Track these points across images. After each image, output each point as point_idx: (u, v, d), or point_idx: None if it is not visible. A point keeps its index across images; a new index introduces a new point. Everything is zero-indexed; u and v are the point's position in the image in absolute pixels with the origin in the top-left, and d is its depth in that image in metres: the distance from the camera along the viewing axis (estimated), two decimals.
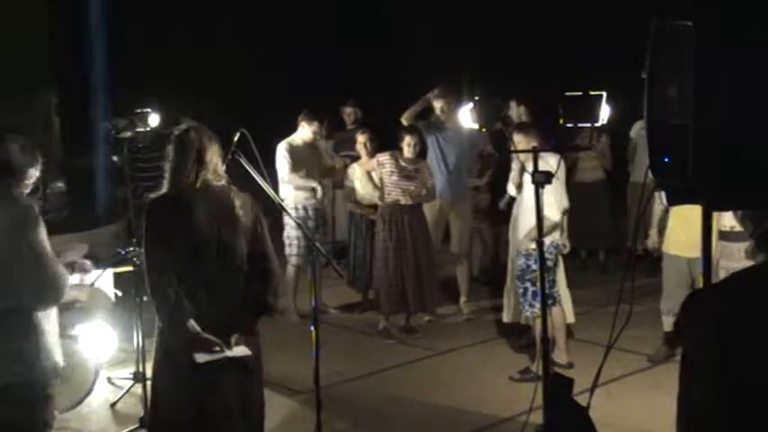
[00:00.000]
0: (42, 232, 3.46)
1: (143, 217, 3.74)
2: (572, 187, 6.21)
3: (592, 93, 3.99)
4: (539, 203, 4.24)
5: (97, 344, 5.67)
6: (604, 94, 4.00)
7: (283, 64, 12.84)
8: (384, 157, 6.97)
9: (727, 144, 2.17)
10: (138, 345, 5.38)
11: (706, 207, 2.33)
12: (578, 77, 9.35)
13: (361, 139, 7.38)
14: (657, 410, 4.84)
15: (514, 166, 6.09)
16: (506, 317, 6.51)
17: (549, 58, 10.92)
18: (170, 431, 3.75)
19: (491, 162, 7.99)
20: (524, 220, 5.77)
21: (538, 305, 4.86)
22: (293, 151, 7.29)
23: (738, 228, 4.96)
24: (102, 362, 5.83)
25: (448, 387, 5.81)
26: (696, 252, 5.63)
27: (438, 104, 7.47)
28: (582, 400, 3.67)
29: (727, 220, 5.34)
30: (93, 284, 5.58)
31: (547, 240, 5.00)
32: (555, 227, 5.74)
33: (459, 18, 12.34)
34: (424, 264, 6.92)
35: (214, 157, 3.72)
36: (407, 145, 6.91)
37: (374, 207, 7.18)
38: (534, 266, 5.53)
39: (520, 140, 5.44)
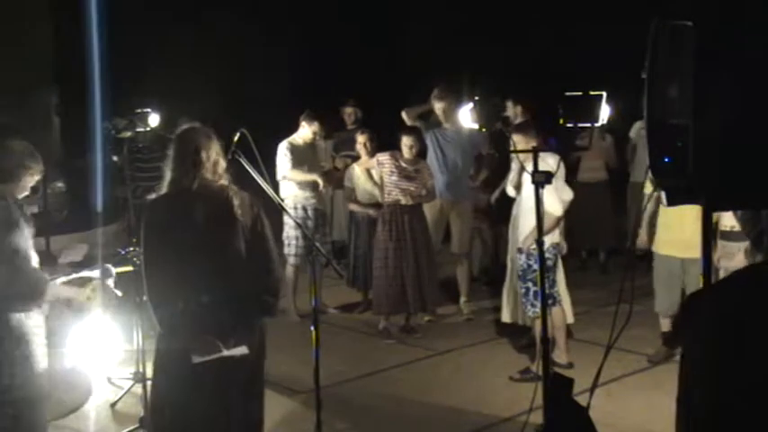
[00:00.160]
0: (20, 234, 3.43)
1: (142, 218, 3.74)
2: (574, 187, 6.20)
3: (592, 93, 3.99)
4: (539, 203, 4.24)
5: (95, 347, 5.67)
6: (604, 94, 4.00)
7: (283, 64, 12.85)
8: (384, 158, 6.97)
9: (727, 144, 2.17)
10: (138, 345, 5.38)
11: (706, 207, 2.33)
12: (578, 77, 9.35)
13: (361, 139, 7.38)
14: (657, 410, 4.84)
15: (514, 166, 6.09)
16: (505, 316, 6.52)
17: (549, 58, 10.92)
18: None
19: (486, 163, 7.99)
20: (524, 219, 5.77)
21: (539, 305, 4.86)
22: (294, 150, 7.32)
23: (738, 228, 4.96)
24: (100, 365, 5.84)
25: (448, 387, 5.81)
26: (687, 252, 5.65)
27: (438, 105, 7.48)
28: (582, 400, 3.67)
29: (727, 220, 5.34)
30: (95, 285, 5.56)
31: (547, 240, 5.00)
32: (558, 221, 5.74)
33: (459, 18, 12.34)
34: (424, 264, 6.91)
35: (214, 157, 3.72)
36: (406, 147, 6.91)
37: (376, 205, 7.18)
38: (535, 266, 5.52)
39: (519, 140, 5.44)
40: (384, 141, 7.37)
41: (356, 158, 7.57)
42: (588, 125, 4.11)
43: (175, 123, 5.02)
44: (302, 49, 13.21)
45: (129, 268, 5.13)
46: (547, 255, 5.00)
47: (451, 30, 12.33)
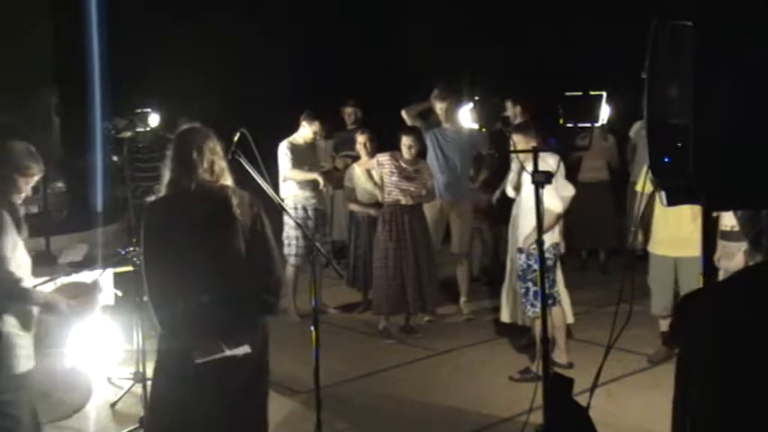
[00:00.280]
0: (4, 239, 3.41)
1: (141, 220, 3.74)
2: (576, 187, 6.20)
3: (592, 93, 3.99)
4: (539, 203, 4.24)
5: (95, 347, 5.67)
6: (604, 94, 4.00)
7: (283, 64, 12.85)
8: (384, 158, 6.97)
9: (727, 144, 2.17)
10: (138, 345, 5.38)
11: (706, 207, 2.33)
12: (578, 77, 9.35)
13: (360, 139, 7.38)
14: (657, 410, 4.83)
15: (513, 166, 6.09)
16: (504, 316, 6.52)
17: (549, 58, 10.92)
18: None
19: (486, 163, 7.99)
20: (524, 220, 5.77)
21: (539, 305, 4.86)
22: (295, 150, 7.33)
23: (739, 227, 4.96)
24: (100, 365, 5.84)
25: (448, 387, 5.81)
26: (683, 251, 5.65)
27: (438, 105, 7.48)
28: (582, 400, 3.67)
29: (727, 220, 5.34)
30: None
31: (547, 241, 5.00)
32: (558, 219, 5.74)
33: (459, 18, 12.34)
34: (424, 264, 6.91)
35: (212, 157, 3.72)
36: (405, 147, 6.90)
37: (376, 205, 7.18)
38: (535, 266, 5.52)
39: (519, 141, 5.44)
40: (384, 141, 7.37)
41: (356, 158, 7.57)
42: (588, 125, 4.11)
43: (175, 123, 5.03)
44: (302, 49, 13.20)
45: (129, 268, 5.13)
46: (546, 255, 5.00)
47: (451, 30, 12.33)
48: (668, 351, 6.03)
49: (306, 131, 7.42)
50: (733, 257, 5.14)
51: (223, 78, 12.13)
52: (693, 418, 1.89)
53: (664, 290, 5.90)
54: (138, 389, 5.24)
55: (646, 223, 5.96)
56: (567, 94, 4.02)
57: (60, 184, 9.27)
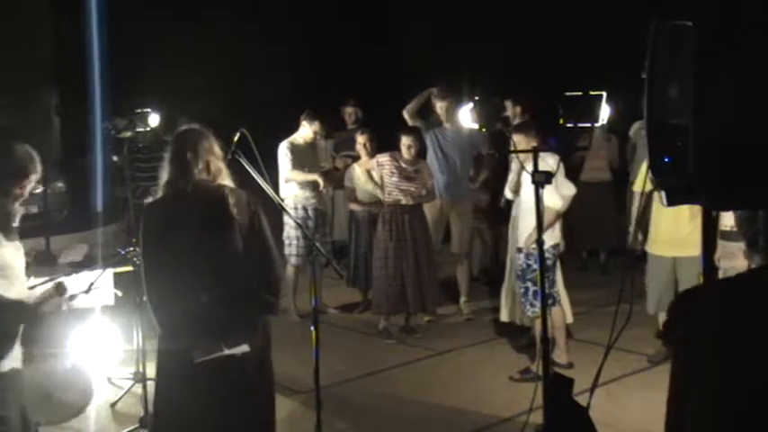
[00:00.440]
0: None
1: (140, 221, 3.75)
2: (578, 187, 6.20)
3: (592, 93, 3.99)
4: (539, 203, 4.24)
5: (95, 347, 5.67)
6: (604, 94, 4.00)
7: (283, 64, 12.85)
8: (384, 158, 6.96)
9: (727, 144, 2.17)
10: (138, 345, 5.38)
11: (706, 207, 2.33)
12: (578, 77, 9.35)
13: (360, 139, 7.38)
14: (657, 410, 4.79)
15: (513, 166, 6.08)
16: (504, 315, 6.52)
17: (549, 58, 10.92)
18: None
19: (486, 163, 7.99)
20: (524, 220, 5.77)
21: (539, 305, 4.86)
22: (295, 150, 7.32)
23: None
24: (100, 365, 5.84)
25: (448, 387, 5.81)
26: (681, 251, 5.65)
27: (439, 104, 7.48)
28: (582, 400, 3.67)
29: (727, 220, 5.34)
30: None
31: (547, 241, 5.00)
32: (558, 216, 5.73)
33: (459, 18, 12.34)
34: (424, 264, 6.91)
35: (209, 157, 3.72)
36: (405, 146, 6.90)
37: (377, 203, 7.18)
38: (535, 266, 5.53)
39: (520, 141, 5.44)
40: (384, 141, 7.37)
41: (356, 158, 7.57)
42: (588, 125, 4.11)
43: (175, 123, 5.03)
44: (302, 49, 13.21)
45: (129, 268, 5.13)
46: (546, 255, 5.00)
47: (451, 30, 12.33)
48: (668, 351, 6.02)
49: (306, 131, 7.42)
50: (733, 257, 5.14)
51: (223, 78, 12.13)
52: (693, 418, 1.89)
53: (662, 290, 5.90)
54: (138, 389, 5.24)
55: (645, 223, 5.96)
56: (567, 94, 4.03)
57: (60, 184, 9.27)
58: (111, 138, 6.29)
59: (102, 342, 5.81)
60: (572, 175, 6.43)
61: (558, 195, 5.64)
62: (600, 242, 9.06)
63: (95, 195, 8.79)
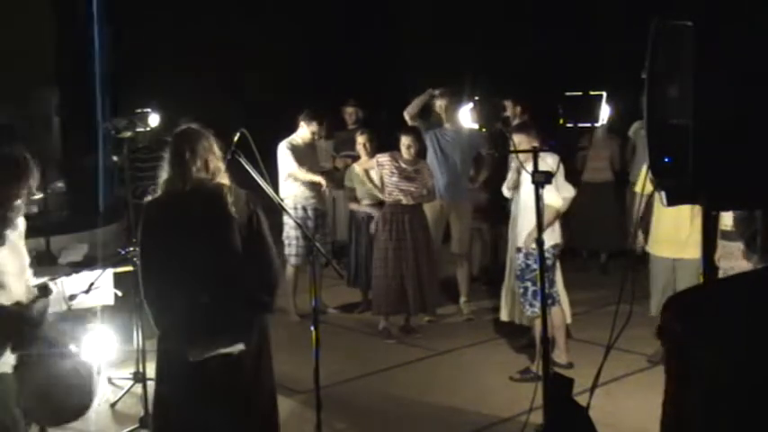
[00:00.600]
0: None
1: (139, 221, 3.75)
2: (580, 187, 6.20)
3: (592, 93, 3.99)
4: (539, 203, 4.24)
5: (95, 347, 5.66)
6: (604, 94, 4.00)
7: (284, 64, 12.85)
8: (384, 158, 6.96)
9: (727, 144, 2.17)
10: (138, 345, 5.38)
11: (706, 207, 2.32)
12: (578, 77, 9.36)
13: (360, 139, 7.38)
14: (657, 410, 4.81)
15: (513, 166, 6.08)
16: (504, 315, 6.52)
17: (549, 59, 10.92)
18: None
19: (486, 163, 7.99)
20: (524, 219, 5.77)
21: (538, 304, 4.86)
22: (294, 150, 7.31)
23: None
24: (100, 365, 5.83)
25: (448, 387, 5.81)
26: (682, 252, 5.65)
27: (439, 104, 7.48)
28: (582, 400, 3.66)
29: (727, 220, 5.34)
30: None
31: (547, 241, 5.00)
32: (558, 215, 5.73)
33: (459, 18, 12.34)
34: (424, 264, 6.91)
35: (207, 156, 3.72)
36: (404, 146, 6.90)
37: (377, 204, 7.18)
38: (534, 266, 5.53)
39: (520, 141, 5.44)
40: (384, 141, 7.37)
41: (357, 158, 7.57)
42: (588, 125, 4.12)
43: (176, 124, 5.02)
44: (302, 49, 13.21)
45: (130, 268, 5.13)
46: (546, 254, 5.00)
47: (451, 30, 12.33)
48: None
49: (304, 132, 7.41)
50: (733, 257, 5.14)
51: (223, 78, 12.13)
52: (692, 419, 1.89)
53: (663, 290, 5.90)
54: (138, 389, 5.24)
55: (646, 223, 5.96)
56: (567, 94, 4.03)
57: (60, 184, 9.26)
58: (111, 138, 6.29)
59: (102, 342, 5.81)
60: (574, 175, 6.42)
61: (558, 195, 5.64)
62: (601, 242, 9.06)
63: (95, 195, 8.79)
